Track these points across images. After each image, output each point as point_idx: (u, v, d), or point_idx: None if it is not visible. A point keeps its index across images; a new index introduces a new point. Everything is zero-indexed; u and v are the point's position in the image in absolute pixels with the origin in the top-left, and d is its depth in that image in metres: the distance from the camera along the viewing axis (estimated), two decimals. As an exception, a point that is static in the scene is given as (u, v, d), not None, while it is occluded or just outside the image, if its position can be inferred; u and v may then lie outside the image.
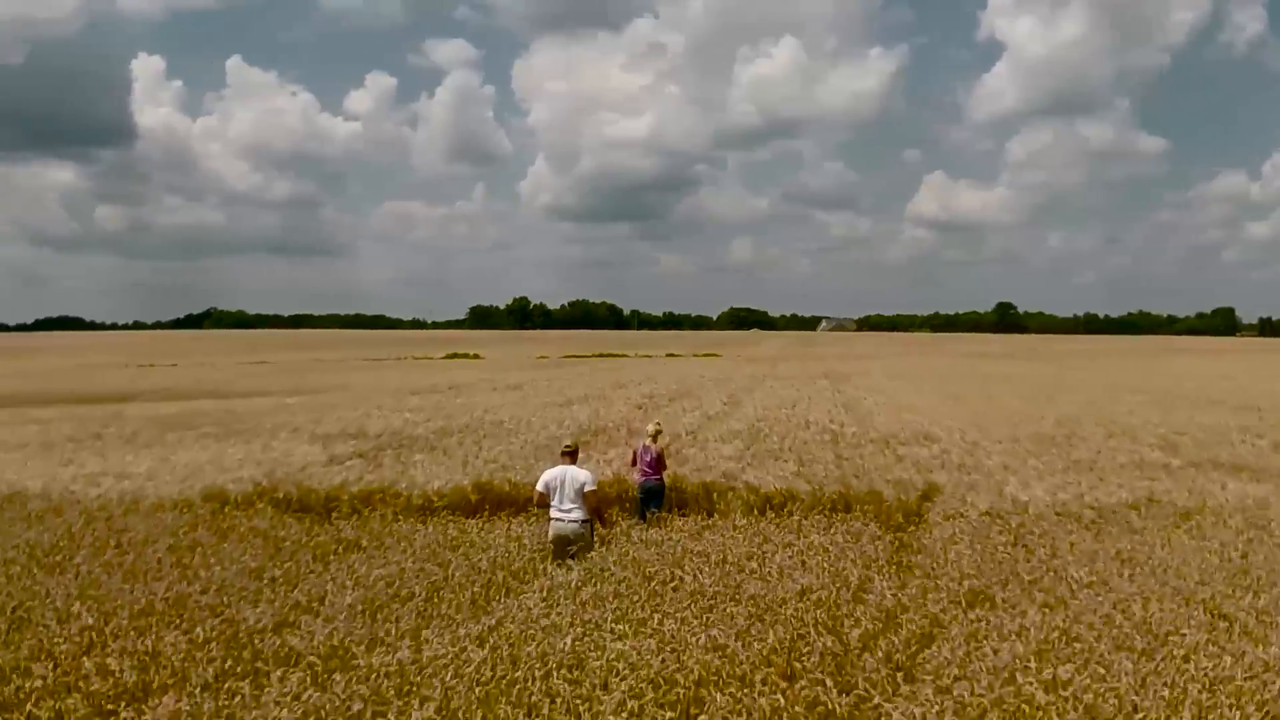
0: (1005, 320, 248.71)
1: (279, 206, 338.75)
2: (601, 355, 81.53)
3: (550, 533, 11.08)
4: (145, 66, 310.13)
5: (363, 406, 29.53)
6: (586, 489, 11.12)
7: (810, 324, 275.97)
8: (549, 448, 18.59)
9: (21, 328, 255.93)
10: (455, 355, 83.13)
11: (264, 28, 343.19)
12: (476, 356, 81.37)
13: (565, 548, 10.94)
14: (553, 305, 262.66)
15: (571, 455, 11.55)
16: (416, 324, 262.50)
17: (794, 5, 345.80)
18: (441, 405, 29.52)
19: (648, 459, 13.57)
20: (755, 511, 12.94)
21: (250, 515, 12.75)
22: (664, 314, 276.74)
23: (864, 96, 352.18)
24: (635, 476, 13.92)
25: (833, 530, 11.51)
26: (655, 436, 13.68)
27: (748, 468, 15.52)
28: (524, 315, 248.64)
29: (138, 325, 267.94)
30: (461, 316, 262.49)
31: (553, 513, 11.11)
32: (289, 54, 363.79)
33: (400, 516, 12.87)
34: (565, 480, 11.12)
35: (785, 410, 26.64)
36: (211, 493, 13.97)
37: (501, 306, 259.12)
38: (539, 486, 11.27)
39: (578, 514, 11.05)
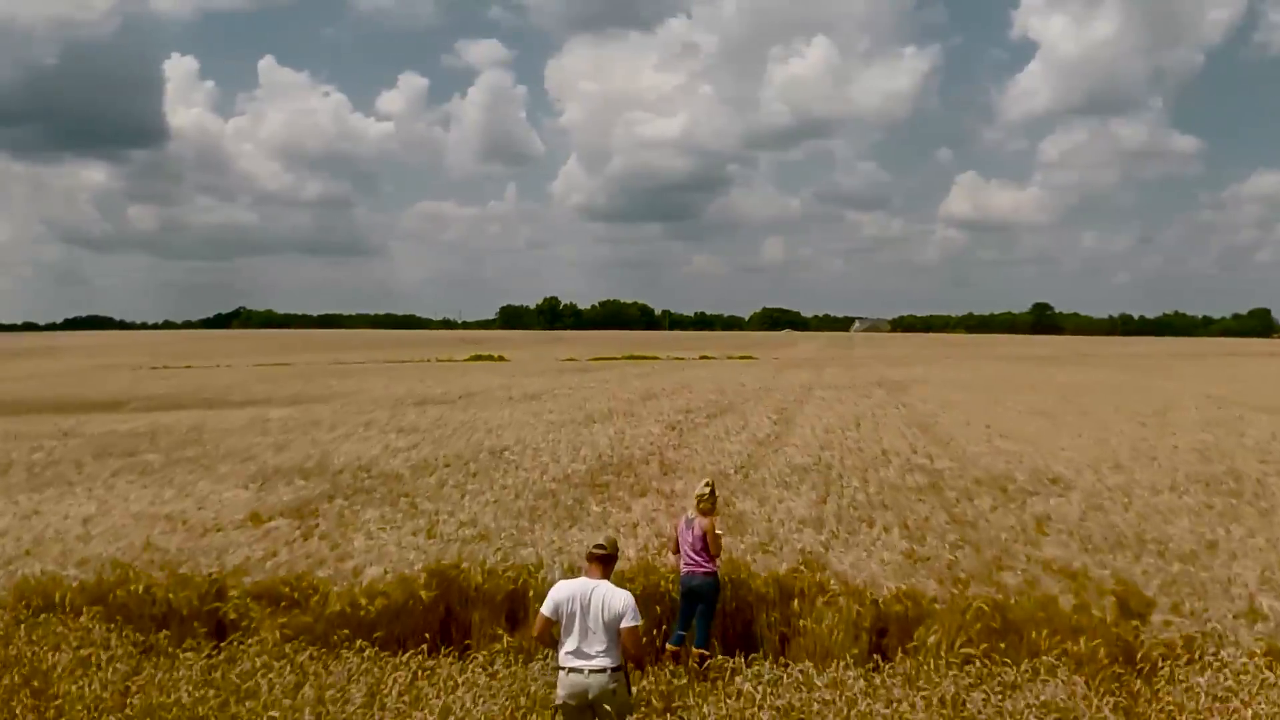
0: (1041, 321, 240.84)
1: (311, 206, 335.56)
2: (631, 358, 76.67)
3: (562, 691, 6.46)
4: (177, 67, 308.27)
5: (348, 424, 24.92)
6: (625, 625, 6.46)
7: (843, 324, 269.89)
8: (553, 495, 13.79)
9: (52, 327, 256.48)
10: (479, 357, 78.64)
11: (296, 28, 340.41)
12: (501, 359, 76.89)
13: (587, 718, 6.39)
14: (583, 305, 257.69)
15: (604, 562, 6.79)
16: (447, 324, 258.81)
17: (826, 5, 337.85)
18: (441, 422, 24.86)
19: (690, 539, 8.76)
20: (865, 639, 8.08)
21: (58, 636, 8.01)
22: (695, 314, 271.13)
23: (896, 96, 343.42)
24: (673, 560, 9.14)
25: (1017, 701, 6.57)
26: (704, 502, 8.85)
27: (834, 541, 10.56)
28: (554, 315, 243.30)
29: (168, 325, 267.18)
30: (491, 317, 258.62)
31: (565, 657, 6.49)
32: (321, 54, 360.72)
33: (294, 645, 8.04)
34: (592, 604, 6.51)
35: (850, 433, 21.63)
36: (34, 586, 9.23)
37: (531, 307, 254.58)
38: (546, 611, 6.58)
39: (606, 659, 6.42)
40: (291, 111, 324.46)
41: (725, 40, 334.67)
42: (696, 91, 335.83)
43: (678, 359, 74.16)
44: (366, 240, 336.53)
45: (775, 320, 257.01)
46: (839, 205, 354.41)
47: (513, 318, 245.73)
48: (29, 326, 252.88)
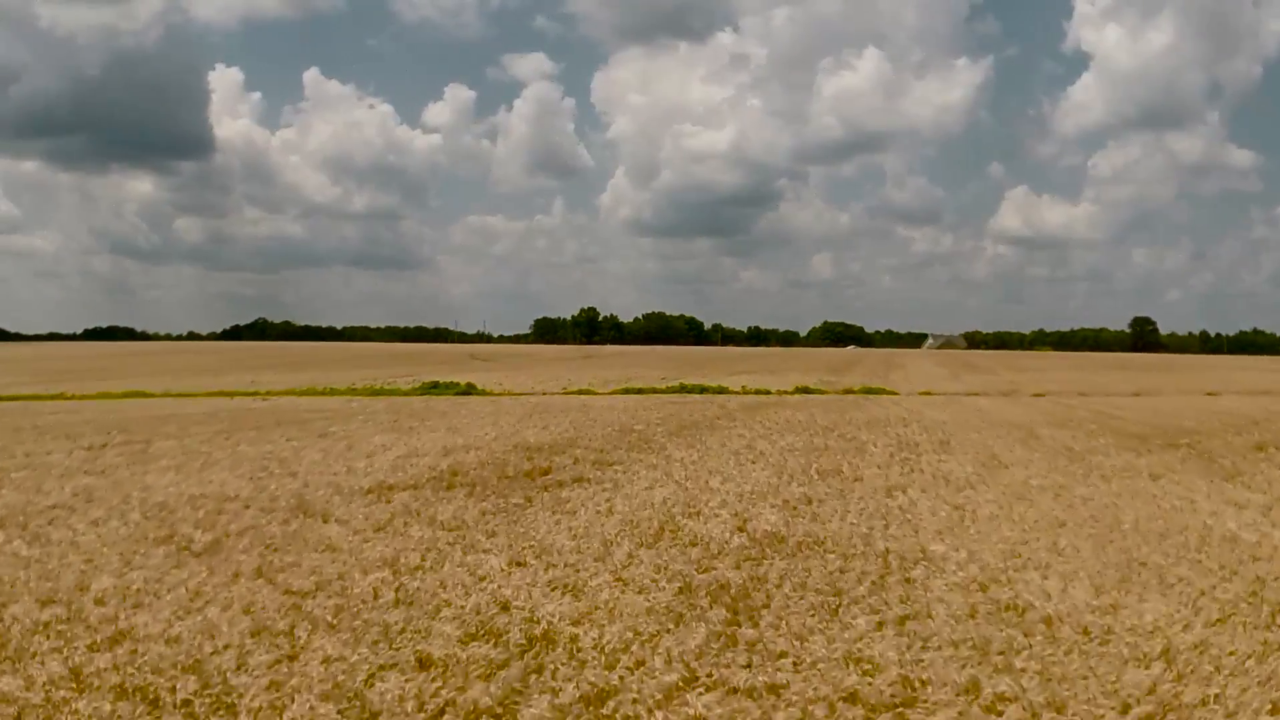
0: (1144, 338, 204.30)
1: (359, 219, 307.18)
2: (683, 390, 43.49)
3: None
4: (222, 78, 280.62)
5: None
6: None
7: (907, 340, 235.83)
8: None
9: (72, 337, 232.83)
10: (437, 387, 45.53)
11: (341, 40, 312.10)
12: (470, 389, 43.85)
13: None
14: (625, 318, 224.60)
15: None
16: (482, 337, 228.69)
17: (878, 17, 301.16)
18: None
19: None
20: None
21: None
22: (749, 329, 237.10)
23: (948, 109, 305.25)
24: None
25: None
26: None
27: None
28: (592, 328, 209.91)
29: (192, 336, 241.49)
30: (526, 330, 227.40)
31: None
32: (366, 66, 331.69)
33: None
34: None
35: None
36: None
37: (567, 318, 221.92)
38: None
39: None
40: (338, 123, 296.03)
41: (774, 52, 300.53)
42: (746, 104, 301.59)
43: (760, 393, 41.05)
44: (415, 253, 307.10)
45: (837, 335, 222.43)
46: (889, 220, 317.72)
47: (547, 330, 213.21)
48: (53, 336, 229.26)
